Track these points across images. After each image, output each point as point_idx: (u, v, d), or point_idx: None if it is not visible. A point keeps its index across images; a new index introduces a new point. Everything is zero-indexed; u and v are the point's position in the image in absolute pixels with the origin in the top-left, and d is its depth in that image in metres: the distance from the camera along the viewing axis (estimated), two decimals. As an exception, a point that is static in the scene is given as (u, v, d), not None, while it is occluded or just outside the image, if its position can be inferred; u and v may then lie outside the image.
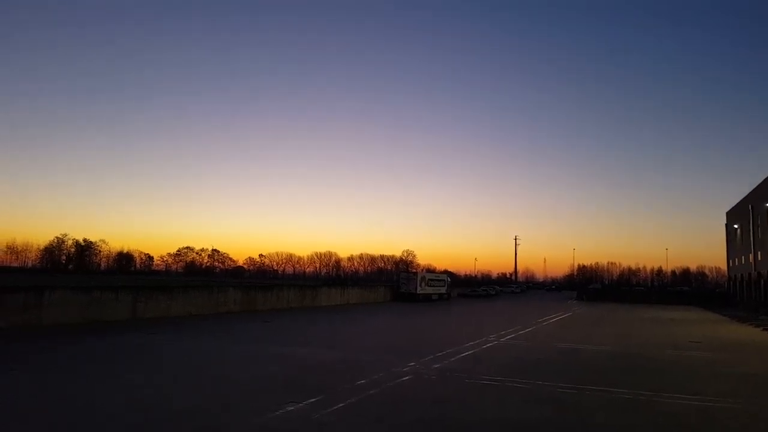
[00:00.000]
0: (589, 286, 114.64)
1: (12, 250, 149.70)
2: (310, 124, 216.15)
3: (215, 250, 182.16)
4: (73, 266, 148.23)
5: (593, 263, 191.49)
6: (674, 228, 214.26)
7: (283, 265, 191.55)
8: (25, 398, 10.98)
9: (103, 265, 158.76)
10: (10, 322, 23.14)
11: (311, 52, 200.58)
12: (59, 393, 11.47)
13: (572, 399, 12.08)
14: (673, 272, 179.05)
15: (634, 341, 25.36)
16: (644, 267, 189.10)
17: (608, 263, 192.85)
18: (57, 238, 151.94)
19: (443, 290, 68.41)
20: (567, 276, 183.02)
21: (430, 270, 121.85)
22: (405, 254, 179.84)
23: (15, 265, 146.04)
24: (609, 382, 14.22)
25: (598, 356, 19.74)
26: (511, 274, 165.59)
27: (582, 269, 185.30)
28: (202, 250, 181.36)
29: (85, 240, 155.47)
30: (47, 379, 12.89)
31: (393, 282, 74.77)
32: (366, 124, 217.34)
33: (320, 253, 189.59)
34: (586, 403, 11.71)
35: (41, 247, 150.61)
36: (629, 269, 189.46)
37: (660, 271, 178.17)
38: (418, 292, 60.72)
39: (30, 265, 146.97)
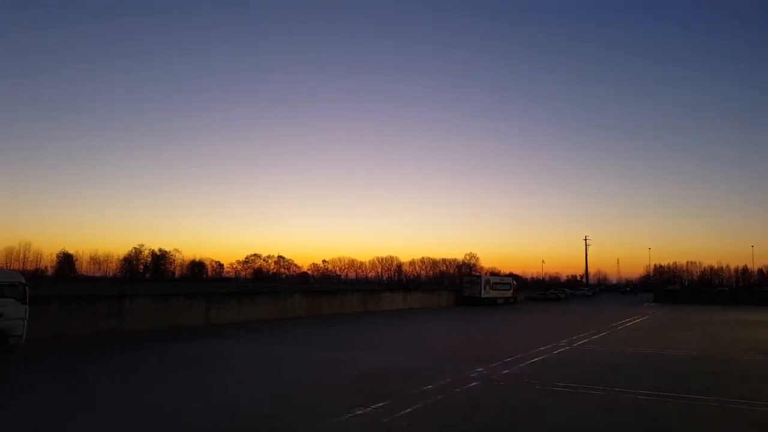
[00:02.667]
0: (667, 287, 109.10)
1: (95, 260, 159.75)
2: (370, 128, 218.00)
3: (281, 256, 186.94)
4: (150, 275, 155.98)
5: (671, 263, 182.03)
6: (760, 223, 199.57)
7: (345, 270, 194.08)
8: (108, 400, 11.60)
9: (177, 272, 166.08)
10: (95, 329, 24.59)
11: (365, 57, 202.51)
12: (138, 400, 12.03)
13: (652, 407, 11.45)
14: (760, 271, 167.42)
15: (719, 345, 23.84)
16: (727, 266, 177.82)
17: (687, 263, 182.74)
18: (135, 248, 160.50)
19: (509, 294, 66.89)
20: (642, 277, 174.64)
21: (494, 273, 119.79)
22: (467, 257, 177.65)
23: (98, 274, 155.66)
24: (692, 389, 13.39)
25: (679, 361, 18.67)
26: (581, 277, 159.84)
27: (659, 269, 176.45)
28: (269, 256, 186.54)
29: (160, 249, 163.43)
30: (129, 384, 13.59)
31: (456, 286, 74.05)
32: (426, 127, 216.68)
33: (382, 258, 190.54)
34: (667, 412, 11.07)
35: (121, 257, 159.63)
36: (711, 269, 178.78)
37: (745, 270, 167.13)
38: (482, 296, 59.62)
39: (111, 274, 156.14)
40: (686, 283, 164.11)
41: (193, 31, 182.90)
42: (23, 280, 19.62)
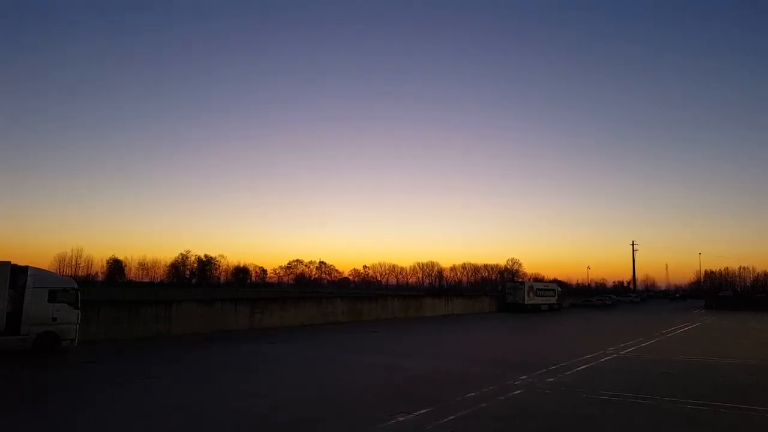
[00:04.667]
0: (719, 293, 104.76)
1: (143, 266, 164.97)
2: (412, 134, 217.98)
3: (322, 262, 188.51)
4: (196, 280, 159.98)
5: (722, 269, 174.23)
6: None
7: (386, 276, 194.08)
8: (159, 402, 11.93)
9: (222, 278, 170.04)
10: (144, 332, 25.37)
11: (399, 62, 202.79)
12: (186, 401, 12.33)
13: (706, 418, 11.00)
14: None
15: (777, 355, 22.71)
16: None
17: (740, 268, 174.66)
18: (181, 254, 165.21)
19: (553, 300, 65.61)
20: (692, 283, 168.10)
21: (538, 279, 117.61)
22: (510, 263, 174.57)
23: (146, 280, 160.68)
24: (748, 400, 12.81)
25: (733, 371, 17.88)
26: (628, 283, 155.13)
27: (709, 275, 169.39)
28: (311, 262, 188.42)
29: (206, 255, 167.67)
30: (178, 387, 13.95)
31: (498, 292, 73.08)
32: (468, 132, 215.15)
33: (422, 264, 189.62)
34: (722, 423, 10.62)
35: (168, 263, 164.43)
36: (765, 274, 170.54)
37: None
38: (525, 302, 58.75)
39: (158, 279, 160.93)
40: (739, 289, 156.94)
41: (236, 41, 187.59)
42: (76, 286, 20.45)
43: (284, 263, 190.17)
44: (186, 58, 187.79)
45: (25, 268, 18.97)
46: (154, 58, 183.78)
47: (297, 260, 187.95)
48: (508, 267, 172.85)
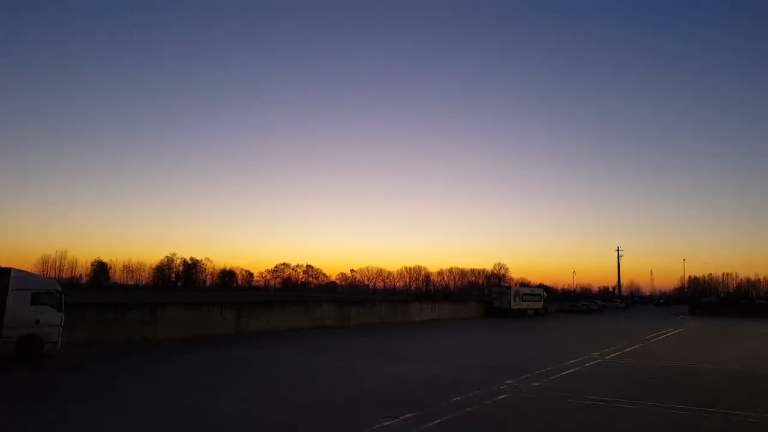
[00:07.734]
0: (703, 299, 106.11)
1: (128, 269, 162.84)
2: (397, 138, 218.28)
3: (309, 266, 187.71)
4: (181, 283, 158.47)
5: (706, 275, 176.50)
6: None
7: (373, 280, 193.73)
8: (148, 406, 11.80)
9: (208, 281, 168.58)
10: (128, 336, 25.07)
11: (391, 67, 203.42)
12: (174, 408, 12.21)
13: (689, 422, 11.11)
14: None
15: (760, 360, 23.01)
16: (765, 278, 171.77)
17: (723, 275, 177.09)
18: (167, 257, 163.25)
19: (539, 305, 66.02)
20: (677, 289, 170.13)
21: (524, 284, 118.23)
22: (497, 268, 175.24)
23: (131, 282, 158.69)
24: (732, 405, 12.95)
25: (717, 376, 18.09)
26: (613, 288, 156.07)
27: (693, 281, 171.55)
28: (298, 266, 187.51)
29: (192, 258, 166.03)
30: (167, 389, 13.83)
31: (485, 297, 73.39)
32: (454, 137, 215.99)
33: (410, 268, 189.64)
34: (705, 428, 10.72)
35: (153, 266, 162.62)
36: (748, 281, 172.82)
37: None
38: (512, 307, 59.01)
39: (143, 283, 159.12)
40: (722, 295, 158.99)
41: (224, 43, 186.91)
42: (59, 288, 20.16)
43: (271, 267, 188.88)
44: (176, 60, 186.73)
45: (8, 270, 18.67)
46: (145, 59, 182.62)
47: (284, 264, 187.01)
48: (495, 272, 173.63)
